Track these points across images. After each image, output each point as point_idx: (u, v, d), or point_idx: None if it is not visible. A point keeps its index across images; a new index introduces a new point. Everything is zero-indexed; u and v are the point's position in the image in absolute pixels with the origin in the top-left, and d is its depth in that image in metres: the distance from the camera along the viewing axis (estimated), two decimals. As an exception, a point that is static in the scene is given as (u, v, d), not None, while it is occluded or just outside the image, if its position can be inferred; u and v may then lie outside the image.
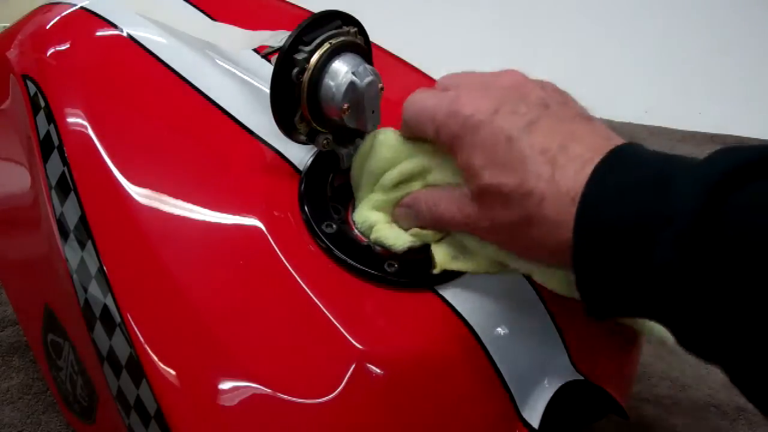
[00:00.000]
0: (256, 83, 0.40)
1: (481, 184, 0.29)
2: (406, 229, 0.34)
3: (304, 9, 0.49)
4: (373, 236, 0.34)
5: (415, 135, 0.33)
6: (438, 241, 0.34)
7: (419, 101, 0.32)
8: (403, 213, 0.34)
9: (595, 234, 0.25)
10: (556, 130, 0.28)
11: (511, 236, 0.29)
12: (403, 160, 0.33)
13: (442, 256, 0.33)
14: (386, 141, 0.34)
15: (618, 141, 0.27)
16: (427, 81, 0.45)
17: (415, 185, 0.33)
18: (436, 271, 0.32)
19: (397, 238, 0.33)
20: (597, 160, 0.26)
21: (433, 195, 0.32)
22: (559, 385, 0.33)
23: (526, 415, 0.32)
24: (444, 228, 0.33)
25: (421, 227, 0.33)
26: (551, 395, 0.33)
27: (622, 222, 0.25)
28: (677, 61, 0.96)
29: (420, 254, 0.33)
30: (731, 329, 0.23)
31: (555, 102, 0.30)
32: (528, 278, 0.34)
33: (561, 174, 0.27)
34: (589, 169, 0.26)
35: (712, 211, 0.22)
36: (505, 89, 0.30)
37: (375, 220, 0.34)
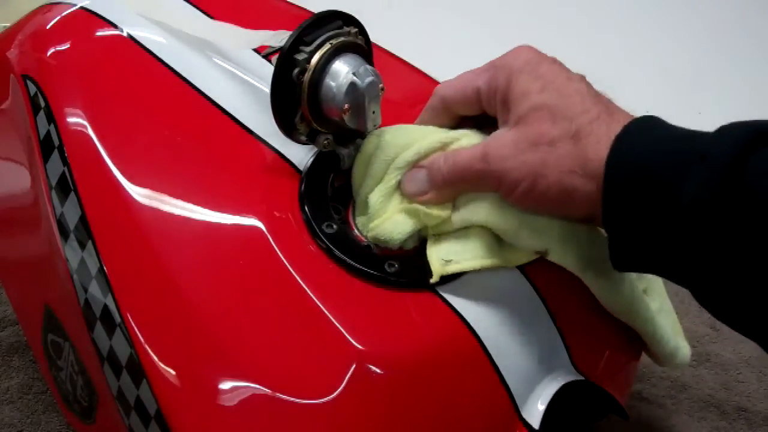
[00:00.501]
0: (256, 83, 0.40)
1: (535, 103, 0.30)
2: (408, 201, 0.33)
3: (305, 9, 0.48)
4: (370, 234, 0.34)
5: (449, 106, 0.34)
6: (435, 240, 0.34)
7: (458, 76, 0.33)
8: (412, 175, 0.33)
9: (631, 156, 0.27)
10: (602, 92, 0.31)
11: (546, 156, 0.29)
12: (418, 142, 0.33)
13: (437, 264, 0.32)
14: (397, 132, 0.34)
15: None
16: (428, 81, 0.45)
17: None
18: (433, 280, 0.32)
19: (392, 231, 0.33)
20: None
21: (453, 150, 0.33)
22: (560, 385, 0.33)
23: (526, 415, 0.32)
24: (458, 182, 0.32)
25: (429, 194, 0.33)
26: (552, 395, 0.33)
27: (657, 152, 0.26)
28: (677, 62, 0.96)
29: (420, 254, 0.33)
30: (750, 274, 0.24)
31: None
32: (528, 278, 0.34)
33: (612, 111, 0.29)
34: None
35: (742, 158, 0.24)
36: (549, 58, 0.32)
37: (380, 213, 0.34)
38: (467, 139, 0.33)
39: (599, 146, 0.28)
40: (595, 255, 0.32)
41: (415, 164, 0.33)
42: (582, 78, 0.31)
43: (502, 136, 0.31)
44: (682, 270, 0.26)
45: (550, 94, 0.30)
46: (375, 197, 0.34)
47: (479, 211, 0.32)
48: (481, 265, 0.32)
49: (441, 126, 0.35)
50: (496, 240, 0.33)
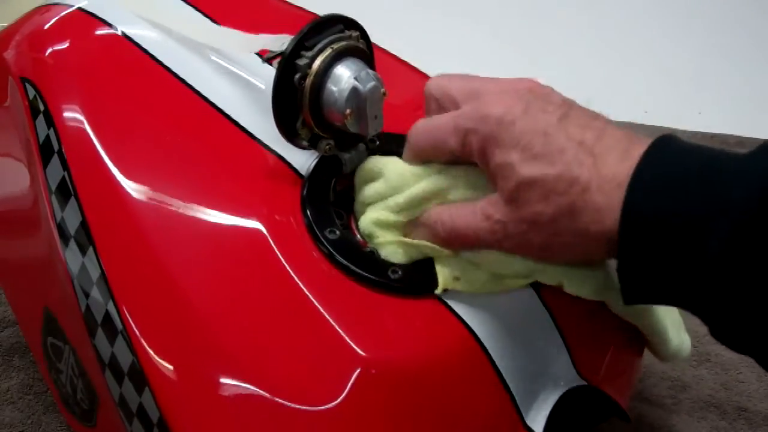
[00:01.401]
0: (257, 86, 0.40)
1: (521, 179, 0.28)
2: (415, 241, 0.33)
3: (305, 10, 0.48)
4: (372, 243, 0.34)
5: (425, 158, 0.32)
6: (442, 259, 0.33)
7: (430, 122, 0.32)
8: (416, 231, 0.33)
9: (644, 220, 0.25)
10: (586, 123, 0.28)
11: (549, 235, 0.28)
12: (411, 186, 0.33)
13: (444, 277, 0.32)
14: (393, 170, 0.33)
15: (643, 139, 0.28)
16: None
17: (428, 207, 0.33)
18: (438, 291, 0.31)
19: (389, 257, 0.33)
20: (635, 149, 0.27)
21: (450, 211, 0.31)
22: (563, 391, 0.33)
23: (529, 421, 0.32)
24: (461, 246, 0.32)
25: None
26: (555, 401, 0.33)
27: (672, 209, 0.25)
28: (677, 62, 0.96)
29: (424, 261, 0.33)
30: None
31: (575, 103, 0.30)
32: (531, 284, 0.34)
33: (602, 162, 0.27)
34: (631, 158, 0.26)
35: (765, 206, 0.23)
36: (526, 91, 0.30)
37: (378, 234, 0.33)
38: (461, 190, 0.32)
39: (598, 219, 0.26)
40: (608, 278, 0.32)
41: (406, 209, 0.33)
42: (569, 109, 0.29)
43: (500, 211, 0.29)
44: (701, 310, 0.26)
45: (532, 165, 0.28)
46: (364, 223, 0.34)
47: (487, 259, 0.32)
48: (491, 290, 0.32)
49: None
50: None
